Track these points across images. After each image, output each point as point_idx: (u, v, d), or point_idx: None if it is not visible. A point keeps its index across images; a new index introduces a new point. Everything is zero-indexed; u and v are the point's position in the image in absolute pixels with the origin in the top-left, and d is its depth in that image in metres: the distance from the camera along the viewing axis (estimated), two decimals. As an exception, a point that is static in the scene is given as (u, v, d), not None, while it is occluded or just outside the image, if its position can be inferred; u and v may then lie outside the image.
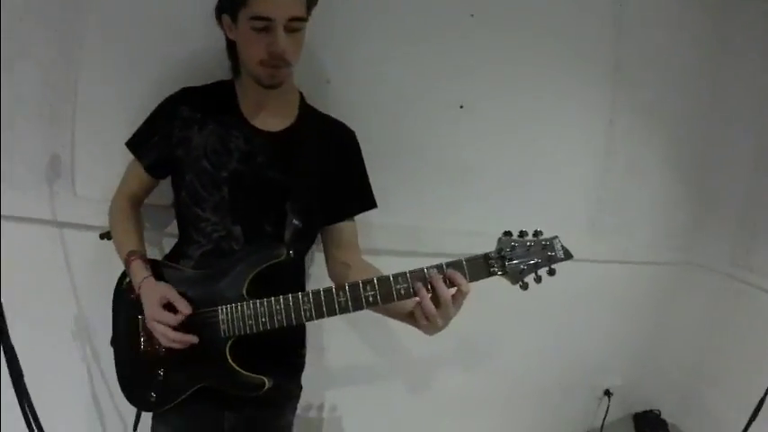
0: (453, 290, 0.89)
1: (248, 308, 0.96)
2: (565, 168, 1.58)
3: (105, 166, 1.23)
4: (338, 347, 1.54)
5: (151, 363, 1.02)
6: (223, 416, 1.04)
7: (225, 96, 1.09)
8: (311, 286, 0.97)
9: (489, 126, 1.48)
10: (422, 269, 0.91)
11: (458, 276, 0.88)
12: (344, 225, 1.16)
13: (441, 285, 0.88)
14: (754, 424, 1.31)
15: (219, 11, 1.00)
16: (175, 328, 0.96)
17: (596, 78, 1.51)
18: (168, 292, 0.98)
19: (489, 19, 1.39)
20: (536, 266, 0.92)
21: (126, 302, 1.07)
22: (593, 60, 1.50)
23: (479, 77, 1.44)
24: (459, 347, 1.61)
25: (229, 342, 0.97)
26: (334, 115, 1.19)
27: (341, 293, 0.92)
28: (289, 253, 1.00)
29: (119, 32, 1.24)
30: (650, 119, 1.57)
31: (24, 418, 1.02)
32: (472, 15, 1.38)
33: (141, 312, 1.01)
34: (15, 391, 1.00)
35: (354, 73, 1.36)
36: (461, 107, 1.45)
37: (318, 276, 1.26)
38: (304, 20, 0.96)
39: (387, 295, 0.91)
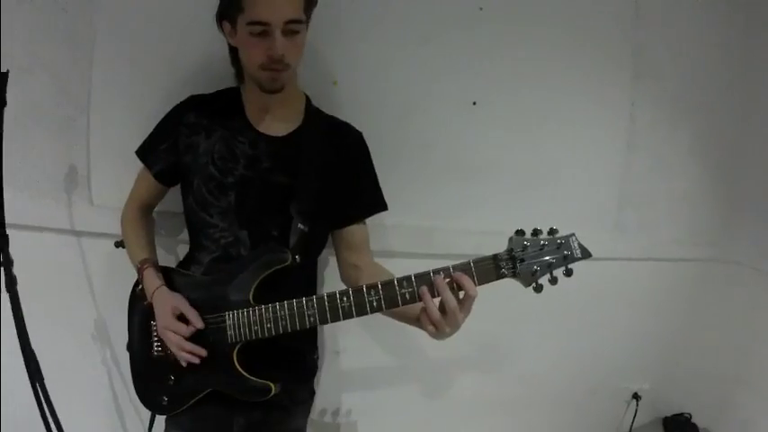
0: (462, 293, 0.86)
1: (254, 313, 0.96)
2: (584, 165, 1.52)
3: (120, 176, 1.25)
4: (354, 351, 1.53)
5: (163, 368, 1.04)
6: (233, 419, 1.04)
7: (231, 103, 1.10)
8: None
9: (504, 122, 1.44)
10: (427, 272, 0.88)
11: (465, 280, 0.85)
12: (355, 228, 1.14)
13: (446, 293, 0.85)
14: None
15: (220, 18, 1.01)
16: (187, 339, 0.97)
17: (615, 69, 1.44)
18: (181, 303, 1.00)
19: (499, 11, 1.35)
20: (550, 267, 0.87)
21: (140, 309, 1.09)
22: (611, 50, 1.43)
23: (492, 73, 1.40)
24: (478, 350, 1.57)
25: (236, 347, 0.98)
26: (342, 117, 1.18)
27: (344, 299, 0.91)
28: (294, 258, 1.00)
29: (131, 45, 1.26)
30: (674, 111, 1.49)
31: (44, 421, 1.05)
32: (481, 9, 1.34)
33: (154, 318, 1.03)
34: (35, 393, 1.03)
35: (362, 73, 1.35)
36: (474, 104, 1.41)
37: (333, 280, 1.25)
38: (301, 22, 0.96)
39: (391, 300, 0.89)
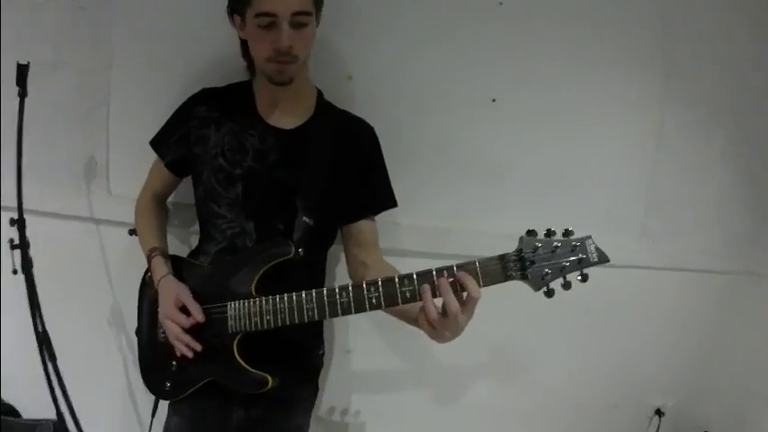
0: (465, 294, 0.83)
1: (254, 305, 0.96)
2: (610, 167, 1.45)
3: (137, 167, 1.28)
4: (364, 350, 1.51)
5: (167, 354, 1.05)
6: (232, 411, 1.04)
7: (242, 96, 1.11)
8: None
9: (524, 121, 1.39)
10: (430, 271, 0.85)
11: (468, 280, 0.81)
12: (363, 224, 1.13)
13: (448, 295, 0.81)
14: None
15: (230, 11, 1.02)
16: (186, 330, 0.98)
17: (644, 67, 1.36)
18: (184, 294, 1.00)
19: (520, 6, 1.30)
20: (563, 271, 0.82)
21: (149, 295, 1.12)
22: (639, 48, 1.35)
23: (512, 69, 1.35)
24: (494, 357, 1.52)
25: (237, 338, 0.98)
26: (357, 113, 1.17)
27: (343, 294, 0.89)
28: (297, 251, 1.00)
29: (148, 41, 1.30)
30: (706, 111, 1.40)
31: (54, 402, 1.08)
32: (501, 3, 1.30)
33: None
34: (45, 374, 1.06)
35: (378, 68, 1.33)
36: (493, 101, 1.37)
37: (344, 276, 1.24)
38: (309, 14, 0.95)
39: (391, 298, 0.86)
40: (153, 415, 1.12)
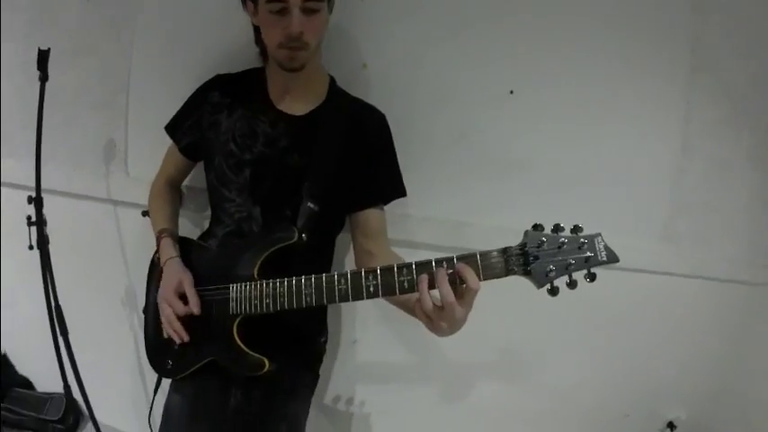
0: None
1: (255, 288, 0.96)
2: (632, 166, 1.39)
3: (154, 150, 1.31)
4: (370, 342, 1.51)
5: (170, 333, 1.07)
6: (231, 394, 1.05)
7: (255, 82, 1.12)
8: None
9: (543, 114, 1.35)
10: (429, 261, 0.83)
11: (467, 272, 0.79)
12: (371, 213, 1.12)
13: (444, 286, 0.79)
14: None
15: None
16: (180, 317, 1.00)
17: (669, 62, 1.30)
18: (186, 281, 1.02)
19: (542, -5, 1.27)
20: (568, 268, 0.79)
21: (156, 276, 1.14)
22: (665, 41, 1.28)
23: (531, 60, 1.30)
24: (503, 356, 1.49)
25: (237, 320, 0.99)
26: (371, 101, 1.16)
27: (342, 281, 0.88)
28: (301, 236, 1.00)
29: (168, 29, 1.32)
30: (735, 110, 1.33)
31: (62, 375, 1.11)
32: (520, -9, 1.27)
33: None
34: (55, 346, 1.10)
35: (393, 56, 1.31)
36: (511, 92, 1.34)
37: (352, 264, 1.23)
38: (321, 0, 0.94)
39: (388, 287, 0.85)
40: (155, 392, 1.15)
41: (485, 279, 0.81)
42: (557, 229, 0.80)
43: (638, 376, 1.51)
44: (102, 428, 1.31)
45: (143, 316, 1.19)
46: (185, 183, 1.33)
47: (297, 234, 0.99)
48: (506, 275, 0.82)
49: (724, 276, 1.41)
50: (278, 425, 1.05)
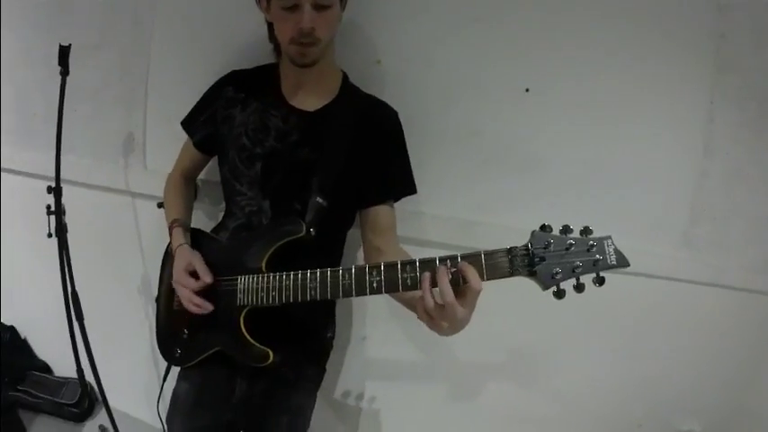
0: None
1: (262, 280, 0.98)
2: (652, 168, 1.35)
3: (172, 144, 1.33)
4: (380, 338, 1.51)
5: (179, 321, 1.09)
6: (236, 384, 1.07)
7: (268, 78, 1.13)
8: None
9: (559, 112, 1.31)
10: (433, 258, 0.83)
11: (469, 272, 0.78)
12: (380, 209, 1.12)
13: (444, 285, 0.78)
14: None
15: None
16: (198, 294, 1.01)
17: (693, 60, 1.25)
18: (195, 260, 1.04)
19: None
20: (575, 271, 0.76)
21: (168, 265, 1.16)
22: (688, 35, 1.23)
23: (548, 57, 1.27)
24: (513, 357, 1.47)
25: (244, 311, 1.00)
26: (385, 98, 1.16)
27: (346, 276, 0.89)
28: (309, 231, 1.00)
29: (187, 25, 1.35)
30: (761, 111, 1.28)
31: (75, 359, 1.15)
32: (537, -15, 1.24)
33: None
34: (70, 329, 1.13)
35: (407, 53, 1.30)
36: (527, 90, 1.31)
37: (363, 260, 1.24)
38: None
39: (392, 283, 0.85)
40: (164, 379, 1.17)
41: (489, 279, 0.80)
42: (565, 230, 0.78)
43: (653, 385, 1.47)
44: (114, 414, 1.34)
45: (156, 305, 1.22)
46: (201, 176, 1.35)
47: (305, 228, 1.00)
48: (511, 276, 0.80)
49: (744, 285, 1.36)
50: (280, 416, 1.06)
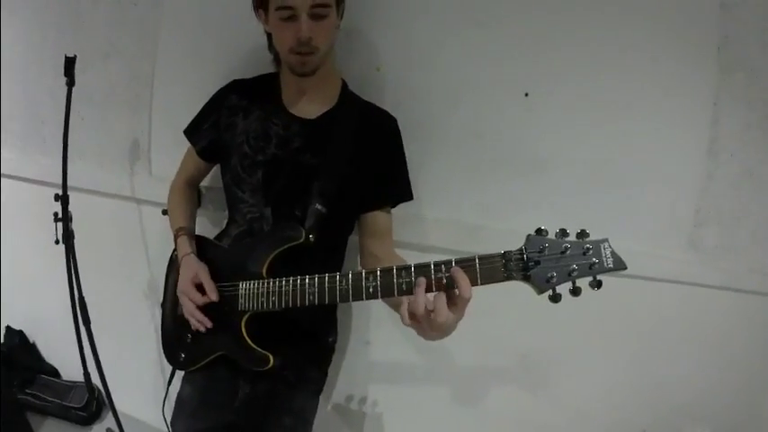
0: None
1: (263, 285, 0.99)
2: (656, 170, 1.33)
3: (176, 151, 1.35)
4: (383, 343, 1.51)
5: (184, 326, 1.11)
6: (239, 387, 1.08)
7: (269, 86, 1.15)
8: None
9: (562, 115, 1.31)
10: (428, 263, 0.83)
11: (459, 277, 0.77)
12: (377, 215, 1.13)
13: (421, 292, 0.79)
14: None
15: (255, 6, 1.05)
16: (200, 307, 1.03)
17: (696, 61, 1.23)
18: (202, 273, 1.05)
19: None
20: (571, 275, 0.75)
21: (173, 272, 1.18)
22: (692, 36, 1.22)
23: (547, 62, 1.27)
24: (517, 363, 1.46)
25: (245, 316, 1.01)
26: (385, 104, 1.17)
27: (343, 281, 0.89)
28: (308, 237, 1.01)
29: (191, 34, 1.37)
30: (766, 112, 1.26)
31: (83, 363, 1.16)
32: (536, -9, 1.24)
33: None
34: (77, 336, 1.15)
35: (406, 59, 1.31)
36: (526, 95, 1.31)
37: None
38: (328, 6, 0.97)
39: (387, 289, 0.85)
40: (169, 383, 1.18)
41: (484, 283, 0.79)
42: (562, 233, 0.77)
43: (660, 390, 1.45)
44: (120, 417, 1.36)
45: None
46: (205, 183, 1.37)
47: (304, 234, 1.01)
48: (506, 280, 0.80)
49: (752, 288, 1.34)
50: (282, 417, 1.07)
